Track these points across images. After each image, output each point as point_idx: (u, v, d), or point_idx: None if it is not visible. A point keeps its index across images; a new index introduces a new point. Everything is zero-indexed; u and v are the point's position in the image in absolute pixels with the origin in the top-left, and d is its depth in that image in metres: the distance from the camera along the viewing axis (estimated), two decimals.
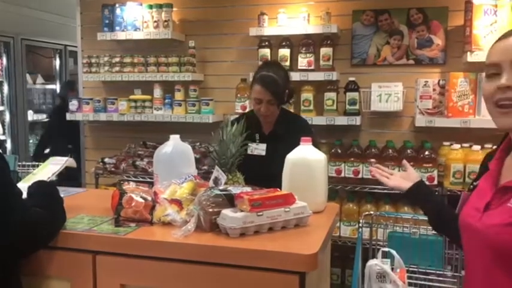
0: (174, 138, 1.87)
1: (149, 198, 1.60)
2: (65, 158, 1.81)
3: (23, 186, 1.54)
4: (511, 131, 1.25)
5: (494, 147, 1.50)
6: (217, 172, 1.69)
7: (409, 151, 3.25)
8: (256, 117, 2.62)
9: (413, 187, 1.62)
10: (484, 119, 3.03)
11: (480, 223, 1.19)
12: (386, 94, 3.36)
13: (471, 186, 1.40)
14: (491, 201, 1.20)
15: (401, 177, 1.69)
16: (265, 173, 2.06)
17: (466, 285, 1.34)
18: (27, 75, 5.66)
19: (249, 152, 2.51)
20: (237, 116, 3.04)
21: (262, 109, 2.51)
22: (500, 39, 1.23)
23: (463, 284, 1.38)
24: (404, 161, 1.78)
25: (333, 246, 3.33)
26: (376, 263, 1.92)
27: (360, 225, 3.10)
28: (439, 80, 3.28)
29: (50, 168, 1.77)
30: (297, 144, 1.85)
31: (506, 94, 1.16)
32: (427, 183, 3.10)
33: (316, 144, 2.66)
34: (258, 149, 2.56)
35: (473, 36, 3.04)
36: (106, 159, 3.76)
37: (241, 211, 1.47)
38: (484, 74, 1.26)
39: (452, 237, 1.52)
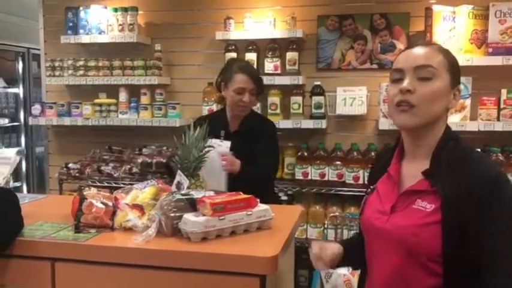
0: None
1: (110, 203, 1.58)
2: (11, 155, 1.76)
3: None
4: (406, 130, 1.34)
5: None
6: (180, 176, 1.69)
7: (373, 153, 3.32)
8: (223, 116, 2.59)
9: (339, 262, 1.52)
10: None
11: (389, 224, 1.29)
12: (350, 98, 3.42)
13: (368, 190, 1.47)
14: (396, 203, 1.30)
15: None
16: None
17: (369, 282, 1.39)
18: None
19: None
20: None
21: (245, 99, 2.48)
22: (406, 48, 1.36)
23: (366, 282, 1.41)
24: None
25: (300, 249, 3.37)
26: (344, 273, 1.99)
27: (326, 226, 3.14)
28: None
29: None
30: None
31: (405, 96, 1.27)
32: None
33: (277, 148, 2.66)
34: (222, 146, 2.44)
35: (433, 41, 3.13)
36: (70, 165, 3.69)
37: (203, 215, 1.47)
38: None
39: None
